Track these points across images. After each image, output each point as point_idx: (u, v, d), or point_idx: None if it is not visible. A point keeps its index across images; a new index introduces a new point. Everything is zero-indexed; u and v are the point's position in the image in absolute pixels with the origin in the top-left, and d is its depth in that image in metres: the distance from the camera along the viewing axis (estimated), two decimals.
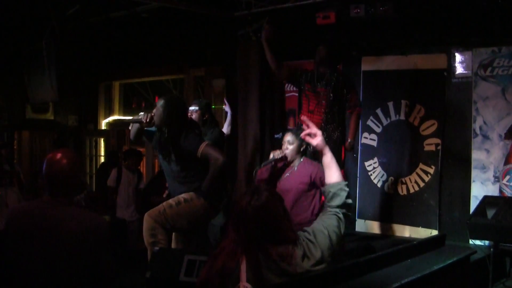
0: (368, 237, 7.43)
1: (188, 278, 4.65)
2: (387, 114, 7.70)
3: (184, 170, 5.37)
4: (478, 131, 7.02)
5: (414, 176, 7.46)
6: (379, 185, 7.74)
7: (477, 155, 7.02)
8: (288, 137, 5.34)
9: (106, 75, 11.89)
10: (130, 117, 6.23)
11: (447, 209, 7.24)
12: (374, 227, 7.77)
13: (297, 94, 7.29)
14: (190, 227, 5.42)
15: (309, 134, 3.10)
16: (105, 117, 12.13)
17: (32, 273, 2.97)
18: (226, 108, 7.29)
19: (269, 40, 6.75)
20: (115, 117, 12.08)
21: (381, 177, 7.73)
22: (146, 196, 8.36)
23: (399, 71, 7.63)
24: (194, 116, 6.07)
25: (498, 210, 6.11)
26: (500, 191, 6.84)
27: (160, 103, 5.30)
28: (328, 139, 6.33)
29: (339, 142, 6.54)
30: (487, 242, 6.39)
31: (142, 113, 5.41)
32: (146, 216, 5.28)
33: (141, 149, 12.09)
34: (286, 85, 8.49)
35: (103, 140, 12.18)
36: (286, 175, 5.42)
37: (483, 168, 6.99)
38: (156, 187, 8.28)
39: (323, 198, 4.75)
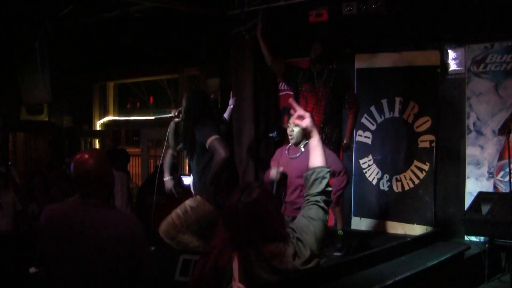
0: (363, 234, 7.44)
1: (183, 277, 4.66)
2: (381, 112, 7.71)
3: (199, 164, 5.48)
4: (471, 127, 7.04)
5: (409, 173, 7.48)
6: (374, 182, 7.75)
7: (471, 151, 7.04)
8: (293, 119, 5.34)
9: (100, 76, 11.88)
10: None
11: (442, 206, 7.26)
12: (369, 224, 7.78)
13: (291, 93, 7.27)
14: (205, 231, 5.44)
15: (299, 117, 3.07)
16: (100, 118, 12.12)
17: (70, 278, 2.91)
18: (231, 101, 7.18)
19: (264, 34, 6.75)
20: (110, 117, 12.07)
21: (376, 174, 7.74)
22: (142, 196, 8.35)
23: (392, 68, 7.64)
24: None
25: (493, 206, 6.14)
26: (495, 186, 6.86)
27: (183, 97, 5.58)
28: (327, 140, 6.36)
29: (338, 143, 6.54)
30: (482, 238, 6.41)
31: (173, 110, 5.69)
32: (160, 232, 5.38)
33: (136, 149, 12.13)
34: (280, 83, 8.50)
35: (98, 141, 12.16)
36: (295, 156, 5.45)
37: (477, 164, 7.00)
38: (152, 186, 8.27)
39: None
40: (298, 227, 2.81)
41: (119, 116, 12.13)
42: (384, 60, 7.74)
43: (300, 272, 2.69)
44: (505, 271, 6.20)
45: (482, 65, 6.96)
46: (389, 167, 7.67)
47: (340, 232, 6.51)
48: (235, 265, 2.60)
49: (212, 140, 5.21)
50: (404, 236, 7.09)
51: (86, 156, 3.07)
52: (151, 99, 12.16)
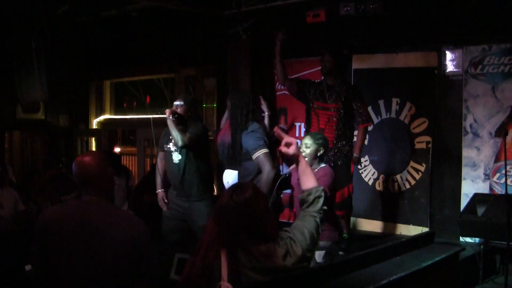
0: (359, 235, 7.44)
1: (179, 276, 4.65)
2: (378, 112, 7.71)
3: (240, 172, 5.62)
4: (468, 129, 7.04)
5: (405, 174, 7.49)
6: (370, 183, 7.76)
7: (467, 153, 7.04)
8: (306, 139, 5.29)
9: (97, 75, 11.86)
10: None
11: (438, 207, 7.26)
12: (365, 225, 7.78)
13: (287, 93, 7.26)
14: None
15: (286, 144, 3.15)
16: (96, 117, 12.10)
17: (78, 277, 2.93)
18: (263, 107, 6.81)
19: (282, 51, 6.66)
20: (106, 116, 12.05)
21: (372, 175, 7.74)
22: (139, 195, 8.34)
23: (389, 69, 7.65)
24: (179, 111, 6.04)
25: (488, 208, 6.14)
26: (491, 188, 6.86)
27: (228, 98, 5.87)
28: (339, 154, 6.35)
29: (349, 156, 6.54)
30: (477, 239, 6.41)
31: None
32: None
33: (132, 148, 12.12)
34: (277, 83, 8.49)
35: (94, 140, 12.14)
36: None
37: (474, 165, 7.00)
38: (148, 186, 8.27)
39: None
40: (293, 228, 2.89)
41: (115, 115, 12.11)
42: (382, 61, 7.75)
43: (291, 271, 2.71)
44: (499, 272, 6.21)
45: (479, 67, 6.96)
46: (385, 168, 7.67)
47: (345, 235, 6.52)
48: (224, 263, 2.61)
49: (260, 153, 5.26)
50: (399, 237, 7.11)
51: (89, 157, 3.17)
52: (148, 98, 12.11)
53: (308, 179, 3.13)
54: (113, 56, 10.65)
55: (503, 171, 6.04)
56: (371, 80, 7.80)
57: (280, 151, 3.18)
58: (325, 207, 3.06)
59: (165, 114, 5.79)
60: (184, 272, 2.76)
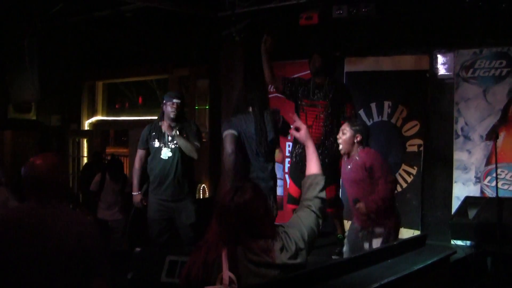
0: (339, 237, 7.42)
1: (170, 279, 4.65)
2: (369, 115, 7.72)
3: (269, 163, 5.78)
4: (460, 132, 7.06)
5: (397, 177, 7.49)
6: None
7: (458, 156, 7.07)
8: (343, 126, 5.33)
9: (89, 75, 11.84)
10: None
11: (430, 210, 7.28)
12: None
13: (281, 95, 7.26)
14: None
15: (295, 128, 3.33)
16: (89, 117, 12.08)
17: (25, 281, 2.89)
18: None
19: (269, 52, 6.65)
20: (99, 117, 12.03)
21: None
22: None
23: (381, 72, 7.66)
24: (175, 108, 6.04)
25: (479, 211, 6.17)
26: (482, 191, 6.89)
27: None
28: (327, 153, 6.35)
29: (337, 155, 6.53)
30: (469, 242, 6.43)
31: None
32: None
33: (125, 149, 12.10)
34: (270, 85, 8.49)
35: (86, 141, 12.11)
36: (348, 167, 5.35)
37: (465, 168, 7.03)
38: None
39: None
40: (289, 223, 3.00)
41: (107, 116, 12.10)
42: (374, 63, 7.76)
43: (288, 266, 2.79)
44: (490, 275, 6.23)
45: (471, 71, 7.00)
46: None
47: (339, 236, 6.53)
48: (224, 259, 2.71)
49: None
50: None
51: (40, 160, 3.11)
52: (140, 99, 12.11)
53: (311, 165, 3.22)
54: (106, 57, 10.64)
55: (494, 174, 6.06)
56: (363, 83, 7.80)
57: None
58: (322, 195, 3.11)
59: (167, 130, 5.83)
60: (186, 265, 2.85)
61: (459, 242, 6.44)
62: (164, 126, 6.00)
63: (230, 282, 2.66)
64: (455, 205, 6.86)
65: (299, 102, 6.63)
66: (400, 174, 7.45)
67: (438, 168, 7.25)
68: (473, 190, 6.92)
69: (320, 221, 3.05)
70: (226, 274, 2.67)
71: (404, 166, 7.43)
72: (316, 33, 7.53)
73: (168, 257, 4.78)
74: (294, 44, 7.96)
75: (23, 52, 8.96)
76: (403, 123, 7.47)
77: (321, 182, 3.14)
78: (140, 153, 6.16)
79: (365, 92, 7.77)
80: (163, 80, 11.10)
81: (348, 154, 5.34)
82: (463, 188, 7.00)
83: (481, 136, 6.91)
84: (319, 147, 6.31)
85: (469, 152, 7.00)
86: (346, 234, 5.68)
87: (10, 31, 9.12)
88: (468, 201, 6.51)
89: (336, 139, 6.30)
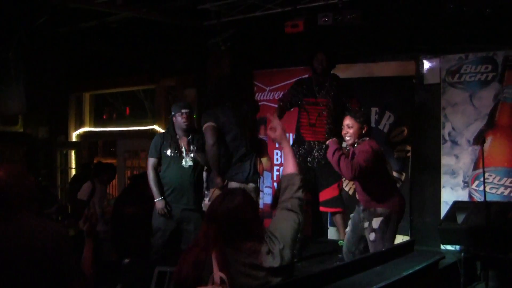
0: (340, 244, 7.42)
1: None
2: None
3: None
4: (447, 137, 7.09)
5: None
6: (350, 192, 7.76)
7: (446, 161, 7.09)
8: (347, 120, 5.33)
9: (76, 86, 11.79)
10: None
11: (418, 215, 7.30)
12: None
13: (268, 104, 7.28)
14: None
15: (271, 128, 3.34)
16: (76, 129, 12.01)
17: None
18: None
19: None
20: (86, 128, 11.97)
21: (353, 184, 7.74)
22: (118, 207, 8.27)
23: (368, 79, 7.68)
24: (185, 117, 6.09)
25: (468, 215, 6.18)
26: (470, 196, 6.92)
27: None
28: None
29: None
30: (458, 247, 6.44)
31: None
32: None
33: (113, 160, 12.05)
34: (257, 94, 8.50)
35: (74, 152, 12.05)
36: (341, 150, 5.37)
37: (453, 173, 7.05)
38: (129, 198, 8.21)
39: None
40: (270, 226, 3.06)
41: (95, 127, 12.04)
42: (360, 70, 7.78)
43: (275, 268, 2.85)
44: (480, 279, 6.22)
45: (457, 76, 7.03)
46: None
47: (341, 242, 6.53)
48: (214, 260, 2.79)
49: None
50: None
51: (1, 172, 3.00)
52: (128, 110, 12.07)
53: (287, 165, 3.26)
54: (92, 68, 10.60)
55: (482, 179, 6.08)
56: None
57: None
58: (299, 194, 3.13)
59: (185, 146, 6.04)
60: (177, 266, 2.93)
61: (448, 247, 6.45)
62: (184, 142, 6.09)
63: (222, 282, 2.73)
64: (444, 210, 6.88)
65: (300, 103, 6.70)
66: None
67: (426, 173, 7.27)
68: (462, 195, 6.94)
69: (300, 218, 3.09)
70: (217, 274, 2.74)
71: (392, 172, 7.43)
72: (303, 41, 7.55)
73: (157, 268, 4.75)
74: (280, 52, 7.97)
75: (9, 64, 8.91)
76: (390, 129, 7.49)
77: (297, 182, 3.16)
78: (152, 161, 6.15)
79: None
80: (150, 90, 11.07)
81: (353, 145, 5.38)
82: (451, 193, 7.02)
83: (469, 141, 6.95)
84: (321, 144, 6.33)
85: (457, 157, 7.03)
86: (351, 215, 5.70)
87: None
88: (457, 206, 6.52)
89: (338, 137, 6.28)
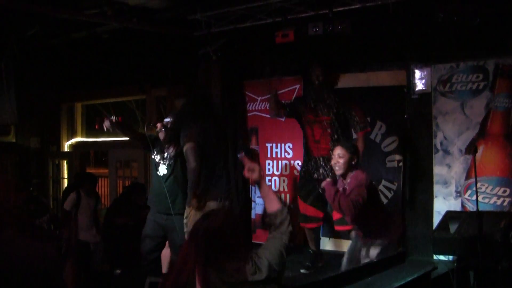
0: (331, 255, 7.41)
1: None
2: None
3: None
4: (439, 146, 7.08)
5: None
6: None
7: (438, 170, 7.08)
8: (338, 150, 5.33)
9: (68, 96, 11.75)
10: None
11: (411, 225, 7.26)
12: (338, 244, 7.74)
13: (260, 114, 7.28)
14: None
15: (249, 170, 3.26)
16: (68, 139, 11.96)
17: None
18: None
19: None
20: (78, 138, 11.94)
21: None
22: (110, 218, 8.25)
23: (359, 88, 7.66)
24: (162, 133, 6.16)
25: (461, 225, 6.15)
26: (462, 205, 6.90)
27: None
28: None
29: None
30: (451, 257, 6.42)
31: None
32: None
33: (105, 170, 12.02)
34: (248, 104, 8.49)
35: (66, 162, 12.00)
36: (340, 190, 5.31)
37: (445, 183, 7.04)
38: (121, 208, 8.19)
39: None
40: (261, 248, 3.03)
41: (87, 137, 12.00)
42: (351, 80, 7.76)
43: (261, 281, 2.84)
44: None
45: (448, 85, 7.03)
46: None
47: (311, 250, 6.51)
48: (198, 278, 2.77)
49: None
50: None
51: None
52: (120, 119, 12.03)
53: (272, 203, 3.20)
54: (84, 78, 10.59)
55: (474, 188, 6.07)
56: None
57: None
58: (290, 228, 3.12)
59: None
60: (159, 286, 2.97)
61: (441, 257, 6.42)
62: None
63: None
64: (436, 219, 6.85)
65: (303, 118, 6.76)
66: (380, 190, 7.43)
67: (418, 183, 7.25)
68: (454, 204, 6.92)
69: (287, 246, 3.07)
70: None
71: (384, 182, 7.43)
72: (293, 51, 7.56)
73: (148, 279, 4.74)
74: (270, 63, 7.97)
75: (0, 75, 8.90)
76: (382, 139, 7.48)
77: (288, 215, 3.14)
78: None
79: None
80: (141, 100, 11.05)
81: (344, 175, 5.37)
82: (443, 203, 7.01)
83: (460, 150, 6.94)
84: (328, 161, 6.34)
85: (449, 166, 7.02)
86: (347, 248, 5.69)
87: None
88: (449, 216, 6.49)
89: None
